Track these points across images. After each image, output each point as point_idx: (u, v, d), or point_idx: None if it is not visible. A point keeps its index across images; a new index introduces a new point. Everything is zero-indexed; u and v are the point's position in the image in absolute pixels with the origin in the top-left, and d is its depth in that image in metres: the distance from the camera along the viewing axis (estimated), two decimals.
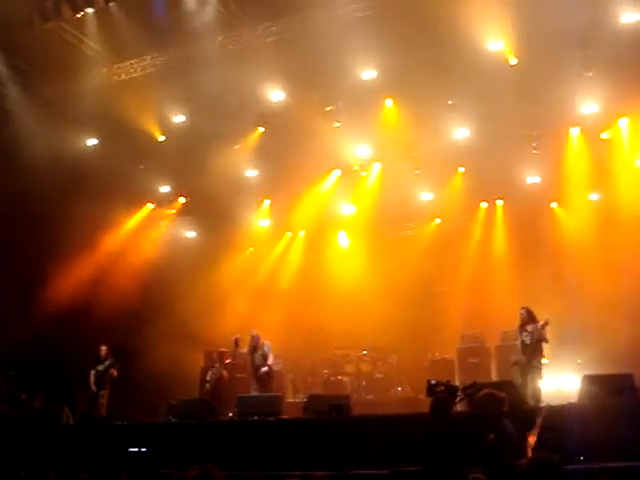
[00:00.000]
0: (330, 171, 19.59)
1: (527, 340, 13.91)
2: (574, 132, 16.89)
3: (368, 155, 18.97)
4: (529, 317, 13.85)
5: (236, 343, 15.55)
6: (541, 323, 13.46)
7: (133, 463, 9.69)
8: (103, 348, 16.16)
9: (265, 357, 15.11)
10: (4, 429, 13.71)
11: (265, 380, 14.99)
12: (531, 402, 11.80)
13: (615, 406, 9.54)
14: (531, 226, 16.96)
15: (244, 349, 15.47)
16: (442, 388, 9.28)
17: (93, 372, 16.01)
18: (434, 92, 15.96)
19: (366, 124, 17.90)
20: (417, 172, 18.40)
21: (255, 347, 15.18)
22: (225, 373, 16.45)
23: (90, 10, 15.87)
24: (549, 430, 7.65)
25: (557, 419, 8.21)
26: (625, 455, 8.05)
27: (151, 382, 16.89)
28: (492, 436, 8.37)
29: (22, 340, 17.77)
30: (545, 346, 13.44)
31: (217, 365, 16.49)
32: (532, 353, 13.65)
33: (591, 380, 10.87)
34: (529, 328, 13.87)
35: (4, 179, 17.33)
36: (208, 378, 16.83)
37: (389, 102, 17.60)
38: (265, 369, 14.98)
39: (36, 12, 15.67)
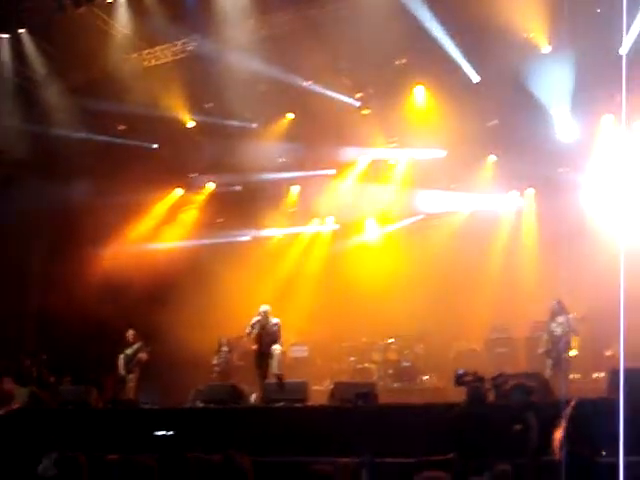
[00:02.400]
0: (359, 159, 19.54)
1: (557, 331, 13.83)
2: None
3: (397, 143, 18.88)
4: (560, 309, 13.75)
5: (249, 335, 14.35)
6: (578, 316, 13.36)
7: (160, 446, 9.73)
8: (131, 332, 16.28)
9: (273, 335, 14.08)
10: (34, 410, 13.91)
11: (266, 362, 14.00)
12: (560, 394, 11.71)
13: None
14: (563, 217, 16.77)
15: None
16: (470, 378, 9.24)
17: (122, 356, 16.14)
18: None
19: (396, 111, 17.84)
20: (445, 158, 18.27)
21: (263, 325, 14.08)
22: (234, 357, 16.48)
23: None
24: (578, 423, 7.57)
25: (586, 412, 8.11)
26: None
27: (179, 366, 16.98)
28: (518, 427, 8.34)
29: (52, 323, 18.01)
30: (575, 339, 13.34)
31: (224, 349, 16.39)
32: (564, 345, 13.56)
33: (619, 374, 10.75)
34: (560, 319, 13.78)
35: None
36: (216, 362, 16.87)
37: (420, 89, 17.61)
38: (277, 349, 13.99)
39: None
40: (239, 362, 17.08)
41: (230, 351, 16.86)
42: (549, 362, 13.70)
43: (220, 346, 16.85)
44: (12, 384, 16.46)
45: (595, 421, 8.28)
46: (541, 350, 14.13)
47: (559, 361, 13.51)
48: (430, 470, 5.27)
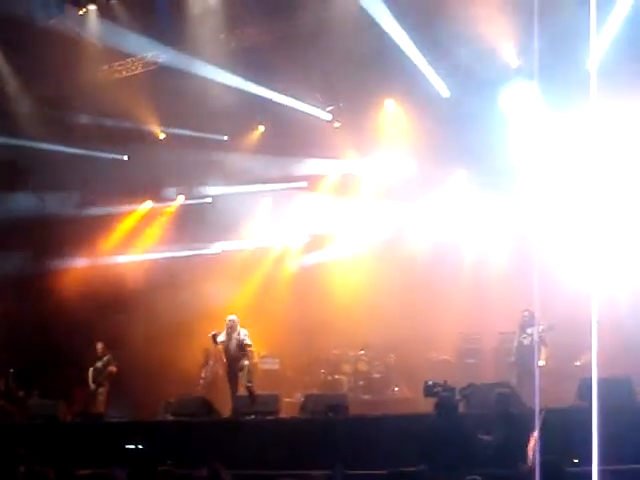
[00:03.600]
0: (330, 172, 19.60)
1: (526, 342, 13.95)
2: None
3: (368, 157, 18.98)
4: (531, 319, 13.88)
5: (214, 339, 13.91)
6: (544, 326, 13.45)
7: (130, 460, 9.69)
8: (100, 345, 16.19)
9: (241, 345, 13.71)
10: (1, 425, 13.76)
11: (236, 375, 13.70)
12: (529, 404, 11.80)
13: (614, 409, 9.55)
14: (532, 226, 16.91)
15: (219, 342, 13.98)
16: (439, 389, 9.30)
17: (91, 369, 16.04)
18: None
19: (366, 124, 17.97)
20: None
21: (230, 334, 13.74)
22: (220, 371, 16.40)
23: (92, 7, 15.89)
24: (548, 432, 7.65)
25: (557, 421, 8.20)
26: (624, 458, 8.06)
27: (148, 379, 16.88)
28: (495, 437, 8.41)
29: (20, 337, 17.82)
30: (543, 350, 13.45)
31: (211, 362, 16.25)
32: (531, 355, 13.66)
33: (591, 383, 10.86)
34: (529, 330, 13.91)
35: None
36: (203, 375, 16.83)
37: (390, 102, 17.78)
38: (246, 363, 13.75)
39: (39, 9, 15.66)
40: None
41: (215, 363, 16.71)
42: (515, 372, 13.82)
43: (207, 358, 16.75)
44: None
45: (565, 430, 8.41)
46: (512, 359, 14.26)
47: (525, 371, 13.63)
48: None
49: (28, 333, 17.86)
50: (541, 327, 13.70)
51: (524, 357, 13.77)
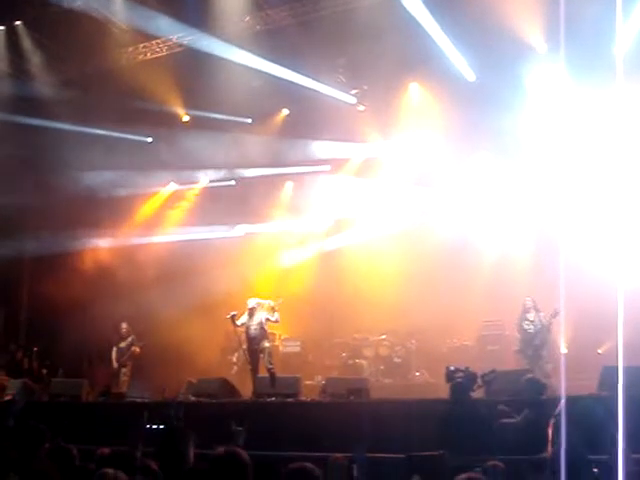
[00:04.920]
0: (354, 155, 19.55)
1: (530, 329, 13.89)
2: None
3: (392, 140, 18.88)
4: (532, 306, 13.84)
5: (232, 320, 14.02)
6: (550, 312, 13.38)
7: (152, 440, 9.75)
8: (124, 325, 16.32)
9: (262, 327, 13.88)
10: (24, 403, 13.90)
11: (257, 357, 13.89)
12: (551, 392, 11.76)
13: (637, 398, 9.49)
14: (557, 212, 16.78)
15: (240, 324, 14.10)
16: (461, 374, 9.28)
17: (115, 349, 16.18)
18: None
19: (391, 108, 17.88)
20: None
21: (251, 315, 13.92)
22: None
23: None
24: (569, 420, 7.61)
25: (578, 410, 8.15)
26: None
27: (171, 360, 16.99)
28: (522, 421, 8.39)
29: (45, 315, 17.99)
30: (564, 336, 13.40)
31: (244, 347, 16.06)
32: (540, 342, 13.62)
33: (612, 371, 10.79)
34: (530, 317, 13.85)
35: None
36: (235, 360, 16.81)
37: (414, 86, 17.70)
38: (267, 345, 13.87)
39: None
40: None
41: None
42: (524, 360, 13.76)
43: (240, 344, 16.68)
44: (4, 376, 16.48)
45: (588, 418, 8.35)
46: (515, 348, 14.20)
47: (536, 358, 13.59)
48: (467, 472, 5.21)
49: (53, 312, 18.03)
50: (542, 313, 13.68)
51: (530, 344, 13.73)
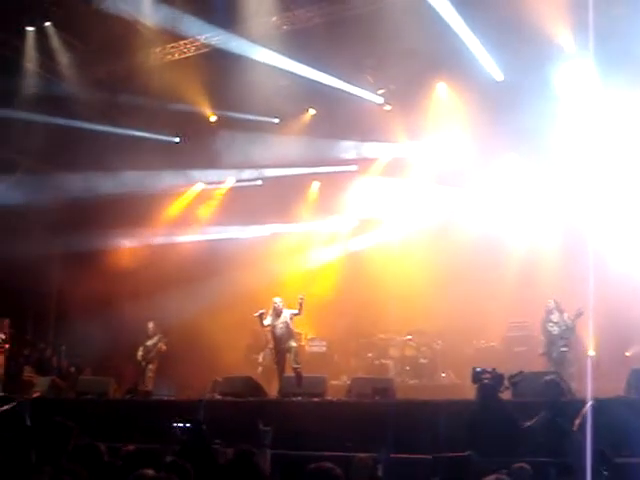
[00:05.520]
0: (381, 155, 19.52)
1: (554, 331, 13.78)
2: None
3: (420, 140, 18.82)
4: (557, 307, 13.74)
5: (260, 319, 13.94)
6: (574, 313, 13.27)
7: (178, 438, 9.81)
8: (151, 324, 16.42)
9: (288, 326, 13.88)
10: (52, 400, 14.05)
11: (284, 357, 13.92)
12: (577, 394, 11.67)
13: None
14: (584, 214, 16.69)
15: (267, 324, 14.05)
16: (488, 376, 9.22)
17: (141, 347, 16.28)
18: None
19: (418, 108, 17.82)
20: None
21: (277, 315, 13.91)
22: None
23: None
24: (596, 423, 7.56)
25: (606, 412, 8.09)
26: None
27: (197, 359, 17.07)
28: (537, 423, 8.33)
29: (73, 314, 18.15)
30: (591, 338, 13.30)
31: (270, 346, 15.55)
32: (564, 344, 13.53)
33: None
34: (554, 318, 13.75)
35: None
36: (260, 360, 16.83)
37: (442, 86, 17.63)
38: (293, 344, 13.91)
39: None
40: None
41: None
42: (550, 362, 13.65)
43: (267, 343, 16.68)
44: (33, 373, 16.67)
45: (614, 420, 8.29)
46: (541, 351, 14.08)
47: (561, 360, 13.49)
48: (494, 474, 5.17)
49: (81, 311, 18.18)
50: (566, 314, 13.57)
51: (555, 346, 13.63)
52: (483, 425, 8.24)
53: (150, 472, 5.01)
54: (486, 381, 8.92)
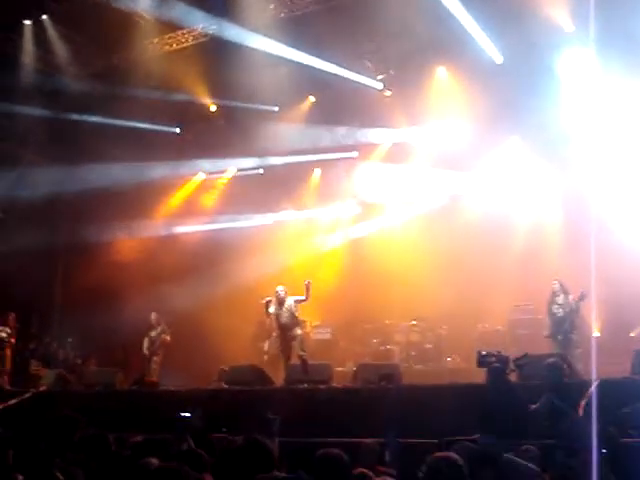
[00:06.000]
0: (381, 141, 19.48)
1: (560, 313, 13.76)
2: None
3: (420, 125, 18.77)
4: (560, 289, 13.71)
5: (267, 306, 13.79)
6: (577, 295, 13.24)
7: (185, 428, 9.85)
8: (154, 315, 16.45)
9: (293, 314, 13.67)
10: (59, 392, 14.11)
11: (289, 345, 13.79)
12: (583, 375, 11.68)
13: None
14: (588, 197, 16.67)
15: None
16: (493, 359, 9.22)
17: (146, 338, 16.32)
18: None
19: (418, 93, 17.76)
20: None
21: (281, 303, 13.73)
22: None
23: None
24: (601, 404, 7.57)
25: (611, 393, 8.10)
26: None
27: (202, 348, 17.11)
28: (541, 406, 8.35)
29: (78, 306, 18.19)
30: (596, 319, 13.29)
31: (274, 335, 15.44)
32: (569, 326, 13.52)
33: None
34: (559, 300, 13.73)
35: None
36: (266, 349, 16.83)
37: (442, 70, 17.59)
38: (299, 332, 13.79)
39: None
40: None
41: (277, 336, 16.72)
42: (555, 345, 13.65)
43: (271, 331, 16.64)
44: (39, 367, 16.72)
45: (620, 401, 8.30)
46: (546, 333, 14.07)
47: (566, 342, 13.48)
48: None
49: (86, 303, 18.22)
50: (571, 296, 13.55)
51: (560, 328, 13.62)
52: (493, 408, 8.24)
53: (155, 461, 5.03)
54: (496, 363, 8.92)
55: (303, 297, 13.68)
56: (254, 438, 4.95)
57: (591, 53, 14.55)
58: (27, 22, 17.07)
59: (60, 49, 17.49)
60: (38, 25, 17.09)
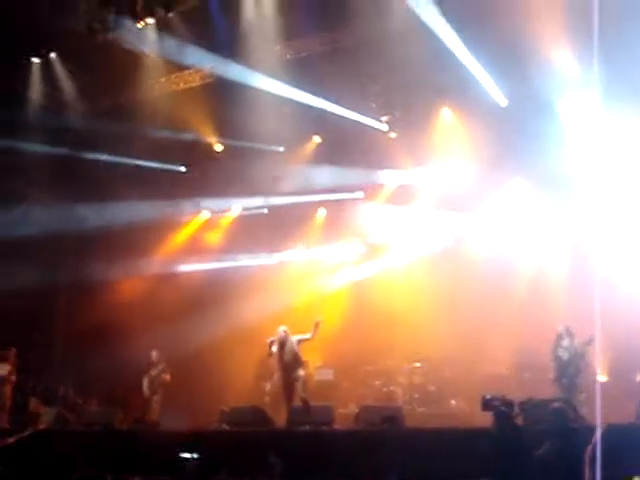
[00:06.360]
0: (386, 182, 19.52)
1: (565, 356, 13.67)
2: None
3: (425, 166, 18.82)
4: (567, 333, 13.64)
5: (270, 346, 13.86)
6: (585, 340, 13.16)
7: (185, 469, 9.76)
8: (154, 353, 16.36)
9: (295, 354, 13.68)
10: (59, 431, 13.96)
11: (292, 386, 13.69)
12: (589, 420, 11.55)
13: None
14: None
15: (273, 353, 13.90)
16: (497, 403, 9.14)
17: (146, 377, 16.20)
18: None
19: (423, 134, 17.83)
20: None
21: (282, 344, 13.66)
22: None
23: (151, 20, 16.08)
24: (607, 449, 7.48)
25: (616, 438, 7.99)
26: None
27: (203, 389, 16.98)
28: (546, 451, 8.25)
29: (79, 344, 18.12)
30: (601, 363, 13.19)
31: (276, 376, 15.78)
32: (574, 370, 13.42)
33: None
34: (564, 344, 13.65)
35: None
36: (267, 390, 16.65)
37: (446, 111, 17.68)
38: (301, 373, 13.68)
39: (97, 22, 15.92)
40: None
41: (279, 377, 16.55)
42: (560, 388, 13.53)
43: (274, 372, 16.46)
44: (39, 404, 16.59)
45: (625, 447, 8.18)
46: (551, 377, 13.97)
47: (572, 387, 13.36)
48: None
49: (87, 340, 18.15)
50: (576, 340, 13.46)
51: (565, 372, 13.51)
52: (499, 452, 8.14)
53: None
54: (502, 408, 8.84)
55: (308, 336, 13.63)
56: None
57: (595, 97, 14.62)
58: (35, 59, 17.23)
59: (67, 87, 17.66)
60: (46, 62, 17.25)
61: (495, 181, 17.80)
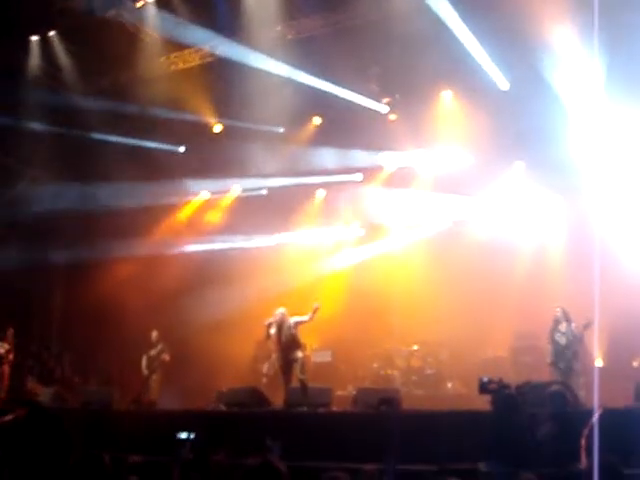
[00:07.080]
0: (386, 164, 19.46)
1: (562, 341, 13.68)
2: None
3: (425, 149, 18.76)
4: (563, 317, 13.64)
5: (268, 328, 13.86)
6: (582, 324, 13.17)
7: (182, 449, 9.75)
8: (154, 333, 16.39)
9: (293, 336, 13.73)
10: (56, 411, 13.95)
11: (290, 367, 13.74)
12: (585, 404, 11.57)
13: None
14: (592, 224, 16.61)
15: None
16: (494, 386, 9.13)
17: (145, 356, 16.23)
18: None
19: (423, 117, 17.75)
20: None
21: (280, 326, 13.74)
22: None
23: None
24: (605, 433, 7.47)
25: (614, 422, 7.99)
26: None
27: (201, 369, 17.00)
28: (544, 435, 8.25)
29: (77, 323, 18.12)
30: (599, 347, 13.21)
31: (273, 356, 15.19)
32: (572, 354, 13.44)
33: None
34: (562, 328, 13.65)
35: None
36: (265, 371, 16.69)
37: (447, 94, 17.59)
38: (300, 355, 13.69)
39: (97, 1, 15.81)
40: None
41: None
42: (557, 373, 13.55)
43: (271, 353, 16.48)
44: (36, 384, 16.60)
45: (622, 430, 8.19)
46: (548, 361, 13.99)
47: (569, 371, 13.39)
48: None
49: (85, 321, 18.16)
50: (574, 324, 13.47)
51: (563, 357, 13.53)
52: (498, 434, 8.14)
53: None
54: (504, 391, 8.83)
55: (305, 318, 13.65)
56: (267, 460, 4.85)
57: (597, 79, 14.56)
58: (34, 37, 17.11)
59: (66, 65, 17.54)
60: (45, 41, 17.14)
61: (495, 164, 17.77)
